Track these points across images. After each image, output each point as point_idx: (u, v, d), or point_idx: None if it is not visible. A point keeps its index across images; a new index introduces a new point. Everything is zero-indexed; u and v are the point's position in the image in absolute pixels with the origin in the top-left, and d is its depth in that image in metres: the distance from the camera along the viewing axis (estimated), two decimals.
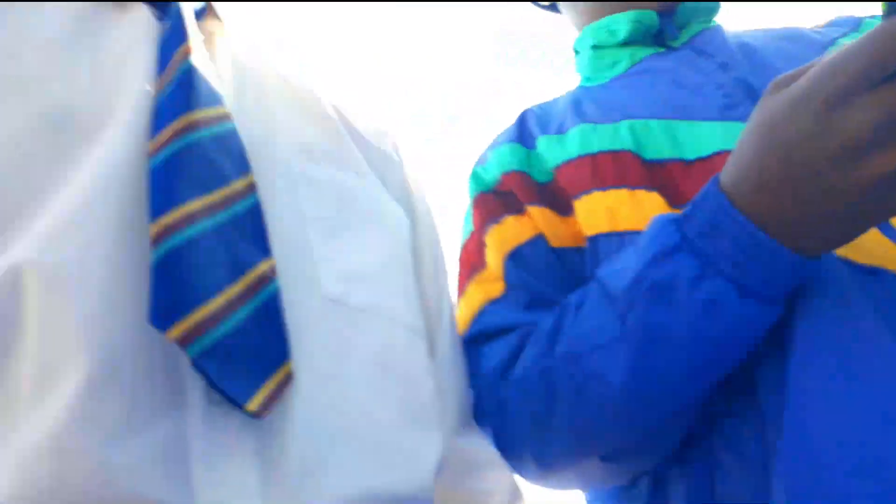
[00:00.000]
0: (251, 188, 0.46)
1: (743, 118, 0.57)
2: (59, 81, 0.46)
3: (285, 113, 0.59)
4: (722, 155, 0.56)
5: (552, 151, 0.65)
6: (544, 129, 0.68)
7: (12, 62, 0.46)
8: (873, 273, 0.47)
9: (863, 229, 0.40)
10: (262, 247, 0.44)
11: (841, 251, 0.47)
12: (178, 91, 0.47)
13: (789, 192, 0.40)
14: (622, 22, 0.69)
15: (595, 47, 0.72)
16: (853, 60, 0.36)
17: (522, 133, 0.69)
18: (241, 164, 0.47)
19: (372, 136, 0.69)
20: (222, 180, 0.45)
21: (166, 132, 0.44)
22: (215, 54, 0.60)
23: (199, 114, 0.47)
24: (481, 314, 0.60)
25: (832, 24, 0.69)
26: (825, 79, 0.38)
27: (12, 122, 0.41)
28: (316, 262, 0.48)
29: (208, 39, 0.61)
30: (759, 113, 0.42)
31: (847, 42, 0.42)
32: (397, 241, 0.58)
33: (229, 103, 0.52)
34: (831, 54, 0.38)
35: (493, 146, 0.70)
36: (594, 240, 0.58)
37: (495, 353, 0.56)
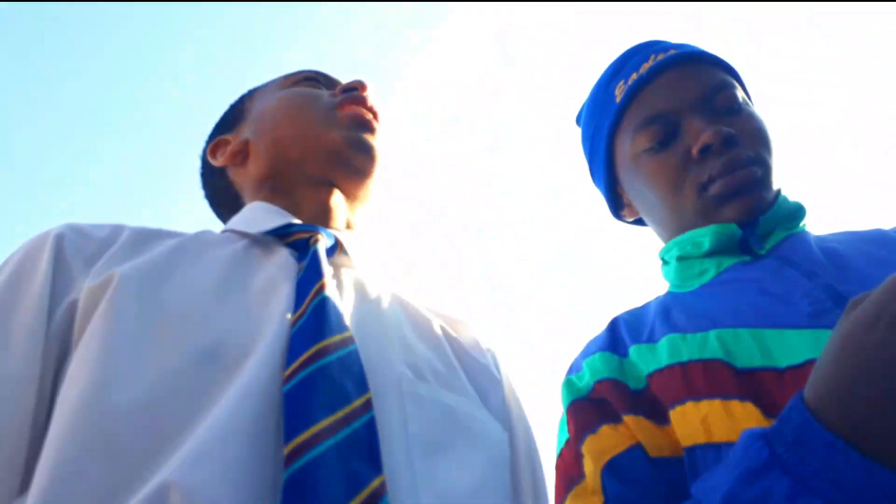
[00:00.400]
0: (368, 405, 0.52)
1: (832, 325, 0.58)
2: (212, 320, 0.55)
3: (399, 333, 0.66)
4: (813, 363, 0.56)
5: (644, 360, 0.66)
6: (635, 338, 0.70)
7: (177, 305, 0.56)
8: None
9: None
10: (375, 464, 0.48)
11: None
12: (312, 322, 0.56)
13: (873, 406, 0.40)
14: (705, 235, 0.72)
15: (681, 258, 0.76)
16: None
17: (614, 341, 0.72)
18: (361, 384, 0.53)
19: (476, 351, 0.75)
20: (345, 400, 0.51)
21: (300, 360, 0.51)
22: (343, 284, 0.69)
23: (329, 341, 0.54)
24: None
25: None
26: (890, 300, 0.39)
27: (173, 357, 0.51)
28: (416, 479, 0.52)
29: (337, 272, 0.71)
30: (838, 329, 0.44)
31: None
32: (495, 459, 0.61)
33: (353, 326, 0.60)
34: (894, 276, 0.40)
35: (584, 354, 0.73)
36: (691, 450, 0.58)
37: None
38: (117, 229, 0.66)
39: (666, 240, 0.80)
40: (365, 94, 0.85)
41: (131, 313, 0.54)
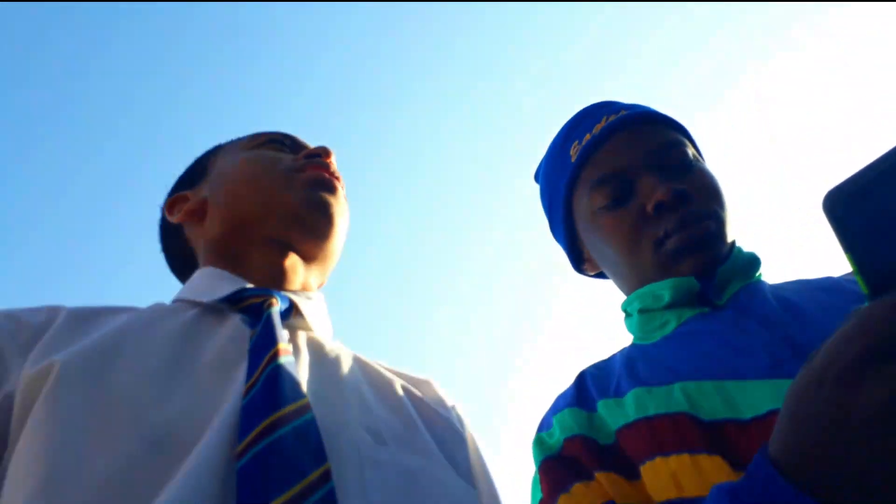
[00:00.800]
0: (326, 476, 0.50)
1: (791, 375, 0.59)
2: (161, 404, 0.54)
3: (358, 396, 0.65)
4: (776, 413, 0.57)
5: (612, 415, 0.67)
6: (603, 392, 0.71)
7: (124, 391, 0.54)
8: None
9: None
10: None
11: None
12: (264, 393, 0.54)
13: (836, 464, 0.41)
14: (664, 288, 0.74)
15: (642, 311, 0.77)
16: (855, 342, 0.39)
17: (582, 395, 0.72)
18: (318, 454, 0.51)
19: (439, 408, 0.74)
20: (301, 474, 0.49)
21: (252, 435, 0.50)
22: (299, 347, 0.68)
23: (283, 412, 0.53)
24: None
25: None
26: (836, 356, 0.40)
27: (122, 449, 0.49)
28: None
29: (292, 335, 0.70)
30: (791, 390, 0.45)
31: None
32: None
33: (310, 391, 0.59)
34: (840, 330, 0.42)
35: (554, 410, 0.73)
36: None
37: None
38: (52, 312, 0.64)
39: (627, 293, 0.82)
40: (328, 160, 0.85)
41: (76, 405, 0.51)
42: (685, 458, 0.59)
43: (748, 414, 0.59)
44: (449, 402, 0.78)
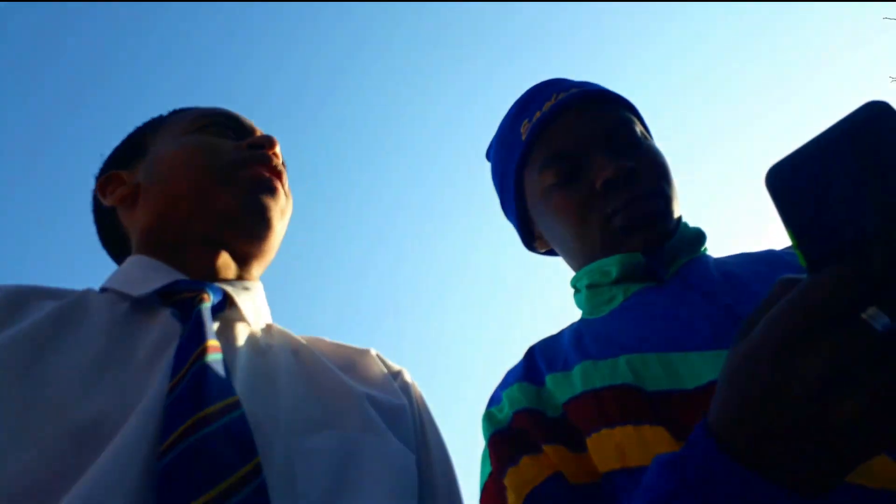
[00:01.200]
0: (257, 471, 0.50)
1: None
2: (90, 396, 0.52)
3: (291, 386, 0.64)
4: (716, 383, 0.59)
5: (560, 388, 0.68)
6: (551, 366, 0.72)
7: (55, 380, 0.53)
8: (885, 496, 0.48)
9: (856, 464, 0.41)
10: None
11: (851, 477, 0.48)
12: (189, 391, 0.53)
13: (774, 437, 0.42)
14: (612, 264, 0.75)
15: (591, 286, 0.78)
16: (793, 315, 0.40)
17: (531, 370, 0.73)
18: (248, 450, 0.51)
19: (380, 378, 0.74)
20: (228, 471, 0.48)
21: (176, 434, 0.49)
22: (232, 340, 0.67)
23: (209, 410, 0.51)
24: None
25: None
26: (774, 329, 0.41)
27: (42, 443, 0.48)
28: None
29: (226, 328, 0.69)
30: (727, 363, 0.45)
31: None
32: (402, 488, 0.60)
33: (241, 386, 0.58)
34: (779, 302, 0.42)
35: (503, 385, 0.74)
36: (608, 476, 0.60)
37: None
38: None
39: (576, 269, 0.83)
40: (272, 152, 0.82)
41: (8, 390, 0.50)
42: (629, 429, 0.60)
43: (690, 384, 0.61)
44: (394, 368, 0.79)
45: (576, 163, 0.78)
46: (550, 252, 0.91)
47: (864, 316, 0.38)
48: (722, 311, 0.65)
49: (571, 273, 0.85)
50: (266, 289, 0.82)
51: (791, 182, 0.39)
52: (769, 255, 0.75)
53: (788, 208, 0.40)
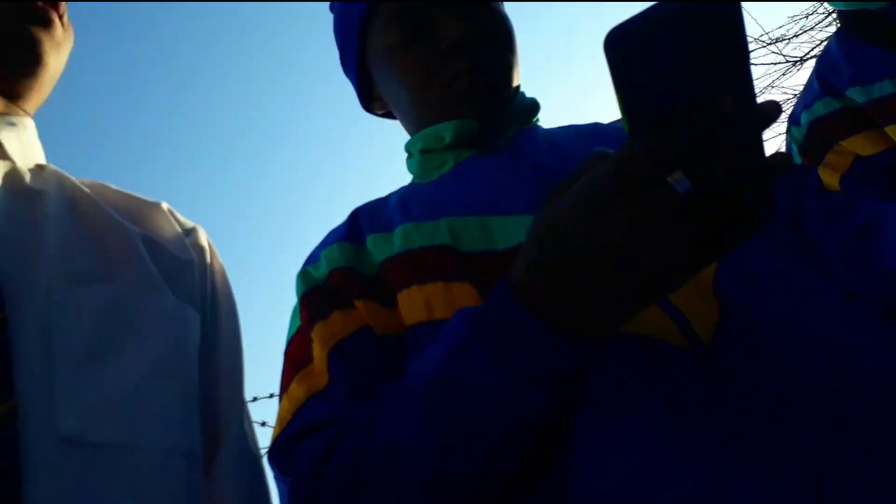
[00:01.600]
0: (2, 325, 0.46)
1: None
2: None
3: (60, 237, 0.59)
4: None
5: (379, 248, 0.67)
6: (373, 228, 0.70)
7: None
8: (647, 342, 0.51)
9: (634, 313, 0.44)
10: (5, 390, 0.43)
11: (624, 327, 0.51)
12: None
13: (569, 283, 0.43)
14: (447, 129, 0.74)
15: (424, 151, 0.77)
16: (607, 176, 0.40)
17: (353, 231, 0.71)
18: None
19: (166, 233, 0.70)
20: None
21: None
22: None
23: None
24: (302, 409, 0.59)
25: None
26: (583, 192, 0.42)
27: None
28: (56, 401, 0.47)
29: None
30: (533, 223, 0.46)
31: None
32: (175, 350, 0.58)
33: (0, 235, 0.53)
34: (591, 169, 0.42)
35: (323, 245, 0.72)
36: (414, 328, 0.60)
37: (311, 450, 0.55)
38: None
39: (412, 133, 0.81)
40: None
41: None
42: (439, 285, 0.60)
43: (501, 245, 0.61)
44: (188, 225, 0.74)
45: (421, 19, 0.75)
46: (388, 115, 0.88)
47: (669, 179, 0.39)
48: (544, 178, 0.66)
49: (406, 137, 0.82)
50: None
51: (628, 48, 0.39)
52: (595, 127, 0.76)
53: (622, 73, 0.39)
